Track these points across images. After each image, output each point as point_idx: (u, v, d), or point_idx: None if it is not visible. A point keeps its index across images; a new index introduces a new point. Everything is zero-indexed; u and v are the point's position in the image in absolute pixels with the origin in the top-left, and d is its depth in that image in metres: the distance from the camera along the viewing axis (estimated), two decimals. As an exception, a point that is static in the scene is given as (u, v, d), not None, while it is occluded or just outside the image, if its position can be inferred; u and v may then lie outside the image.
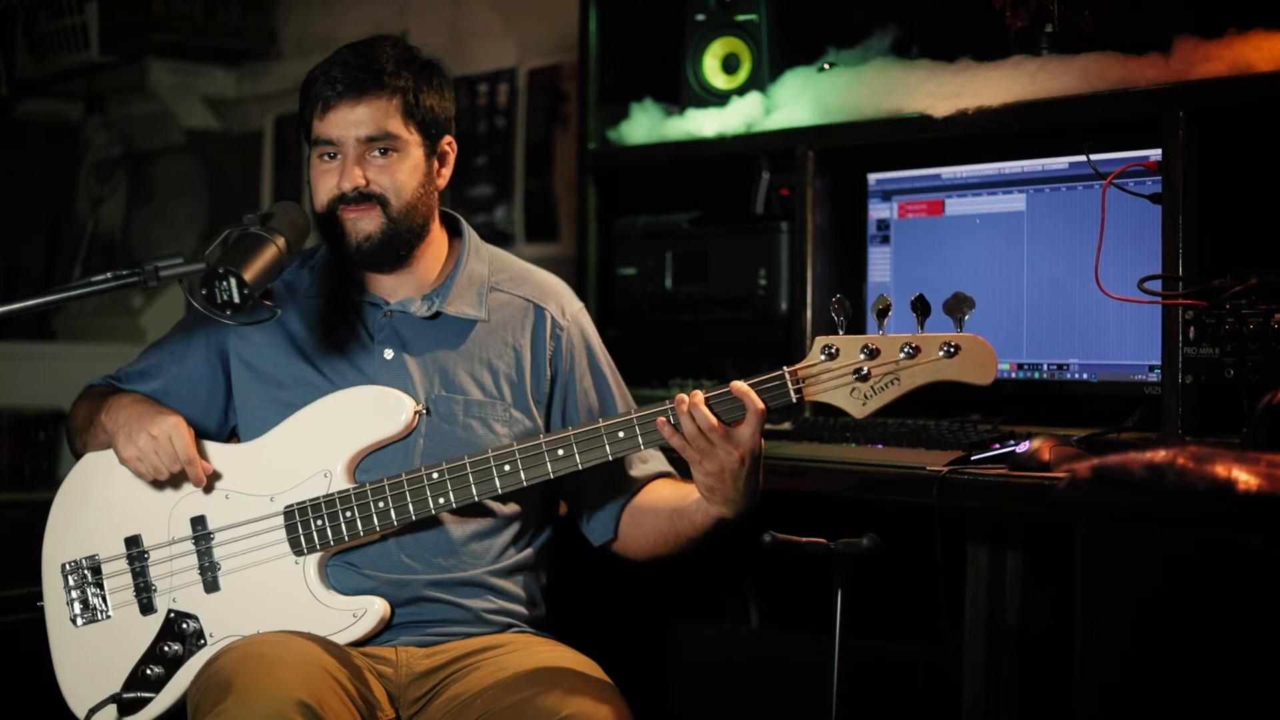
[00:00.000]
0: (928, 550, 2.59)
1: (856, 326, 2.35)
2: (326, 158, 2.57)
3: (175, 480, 2.59)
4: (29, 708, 2.92)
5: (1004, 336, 2.93)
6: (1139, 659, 1.93)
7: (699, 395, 2.36)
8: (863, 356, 2.30)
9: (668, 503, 2.60)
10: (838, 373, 2.32)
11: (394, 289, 2.65)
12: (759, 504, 2.46)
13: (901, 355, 2.28)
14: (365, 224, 2.56)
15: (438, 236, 2.68)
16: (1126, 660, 1.95)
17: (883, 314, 2.31)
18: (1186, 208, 2.62)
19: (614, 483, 2.66)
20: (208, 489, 2.59)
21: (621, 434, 2.42)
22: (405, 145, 2.56)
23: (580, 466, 2.44)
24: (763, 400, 2.34)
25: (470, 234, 2.71)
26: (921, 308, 2.28)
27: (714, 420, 2.34)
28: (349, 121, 2.54)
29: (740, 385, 2.35)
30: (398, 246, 2.59)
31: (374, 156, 2.55)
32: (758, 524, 2.60)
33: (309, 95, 2.58)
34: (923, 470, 2.58)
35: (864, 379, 2.30)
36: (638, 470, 2.66)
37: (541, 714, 2.33)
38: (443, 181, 2.65)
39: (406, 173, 2.57)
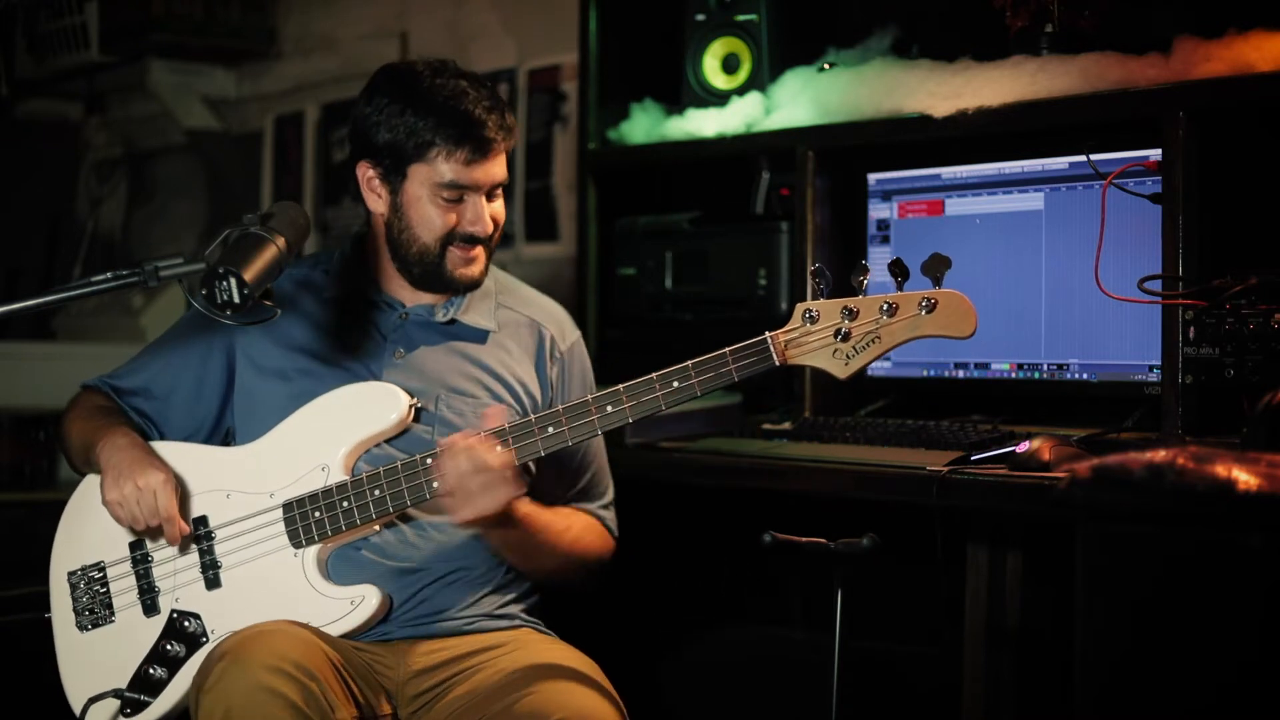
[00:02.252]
0: (928, 550, 2.59)
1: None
2: (446, 200, 2.59)
3: (178, 484, 2.58)
4: (30, 708, 2.92)
5: (1004, 336, 2.93)
6: (1139, 659, 1.93)
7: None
8: (843, 317, 2.33)
9: None
10: (819, 335, 2.35)
11: (414, 296, 2.68)
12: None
13: (881, 314, 2.31)
14: (476, 266, 2.65)
15: None
16: (1126, 660, 1.95)
17: (862, 281, 2.34)
18: (1187, 208, 2.61)
19: (558, 497, 2.72)
20: (209, 490, 2.60)
21: (610, 407, 2.44)
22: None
23: (570, 442, 2.45)
24: (738, 372, 2.38)
25: None
26: (900, 271, 2.31)
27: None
28: (493, 169, 2.61)
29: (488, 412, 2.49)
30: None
31: (491, 200, 2.63)
32: (758, 524, 2.61)
33: (436, 137, 2.57)
34: (923, 470, 2.59)
35: (845, 339, 2.33)
36: (577, 503, 2.73)
37: (536, 717, 2.35)
38: None
39: (503, 210, 2.67)
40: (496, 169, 2.61)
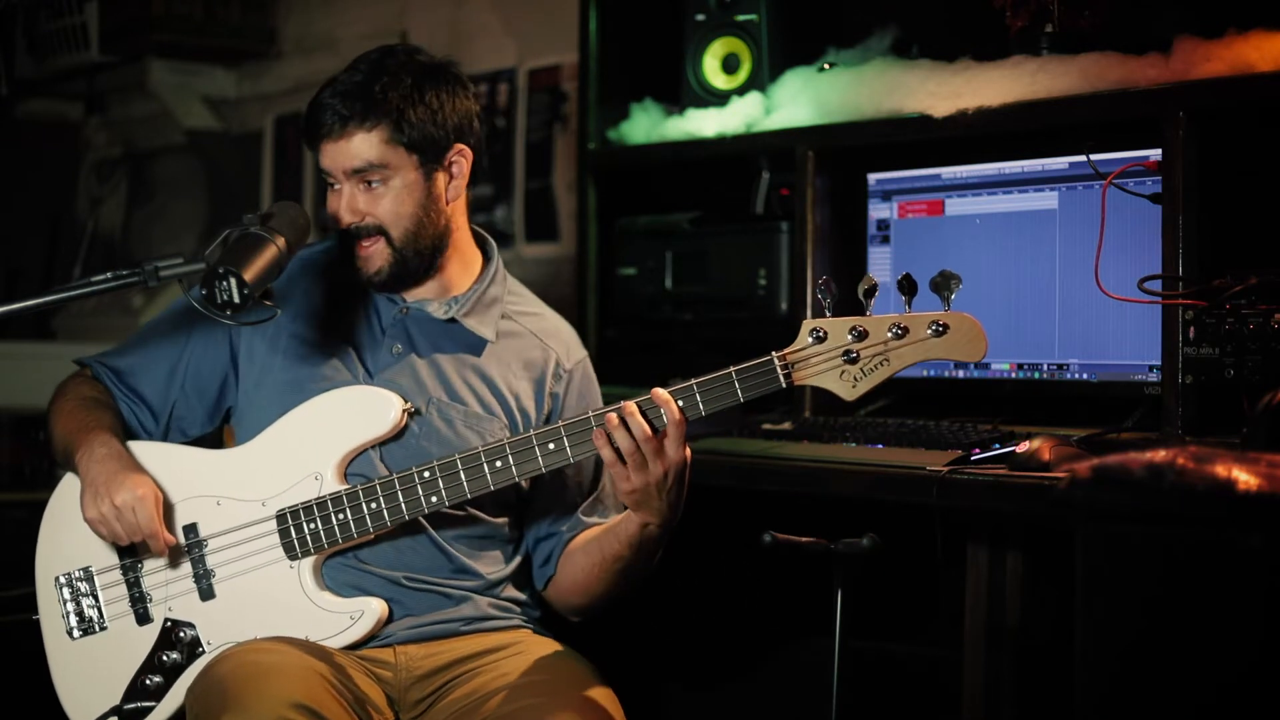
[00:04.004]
0: (928, 550, 2.59)
1: (844, 311, 2.33)
2: (331, 185, 2.57)
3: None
4: (29, 708, 2.92)
5: (1004, 336, 2.93)
6: (1139, 659, 1.93)
7: (632, 404, 2.35)
8: (851, 339, 2.29)
9: (594, 532, 2.61)
10: (826, 356, 2.30)
11: (415, 290, 2.64)
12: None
13: (890, 336, 2.27)
14: (374, 260, 2.56)
15: (467, 249, 2.67)
16: (1126, 661, 1.94)
17: (869, 294, 2.29)
18: (1186, 208, 2.61)
19: (561, 519, 2.65)
20: (199, 496, 2.57)
21: None
22: (396, 171, 2.54)
23: (571, 459, 2.42)
24: (744, 393, 2.32)
25: (498, 261, 2.71)
26: (909, 287, 2.27)
27: (648, 430, 2.33)
28: (337, 154, 2.53)
29: (660, 393, 2.34)
30: (412, 271, 2.59)
31: (364, 188, 2.54)
32: (758, 524, 2.60)
33: (305, 124, 2.57)
34: (923, 470, 2.58)
35: (853, 361, 2.29)
36: (587, 514, 2.65)
37: None
38: (455, 193, 2.62)
39: (400, 199, 2.54)
40: (343, 154, 2.51)
